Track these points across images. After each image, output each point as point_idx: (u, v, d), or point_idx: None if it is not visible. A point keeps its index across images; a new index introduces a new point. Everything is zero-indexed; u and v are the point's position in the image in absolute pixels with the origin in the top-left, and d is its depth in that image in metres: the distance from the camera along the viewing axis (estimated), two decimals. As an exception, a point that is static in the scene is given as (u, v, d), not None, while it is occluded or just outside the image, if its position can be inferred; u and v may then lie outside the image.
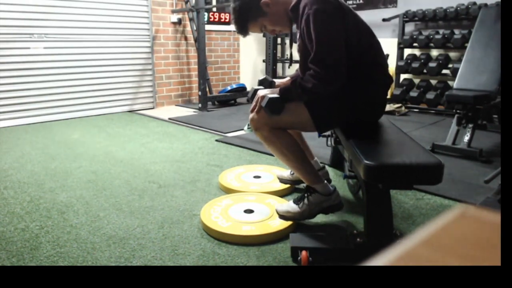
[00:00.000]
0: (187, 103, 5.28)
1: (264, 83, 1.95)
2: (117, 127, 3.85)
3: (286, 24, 1.75)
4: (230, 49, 5.74)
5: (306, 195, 1.68)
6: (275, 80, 2.00)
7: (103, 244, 1.60)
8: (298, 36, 1.68)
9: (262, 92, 1.69)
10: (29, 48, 3.91)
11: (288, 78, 2.05)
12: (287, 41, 5.63)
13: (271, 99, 1.59)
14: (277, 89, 1.66)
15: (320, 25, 1.50)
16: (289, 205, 1.72)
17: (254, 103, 1.69)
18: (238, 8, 1.70)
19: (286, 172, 2.19)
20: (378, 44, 1.68)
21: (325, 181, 1.71)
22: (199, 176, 2.41)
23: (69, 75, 4.21)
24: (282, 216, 1.70)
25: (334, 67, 1.51)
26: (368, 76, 1.63)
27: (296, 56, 1.85)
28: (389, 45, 4.60)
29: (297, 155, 1.68)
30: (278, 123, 1.64)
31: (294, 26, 1.75)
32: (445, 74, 4.28)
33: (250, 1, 1.68)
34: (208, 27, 5.12)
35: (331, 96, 1.60)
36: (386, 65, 1.73)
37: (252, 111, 1.68)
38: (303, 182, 1.78)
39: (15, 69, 3.86)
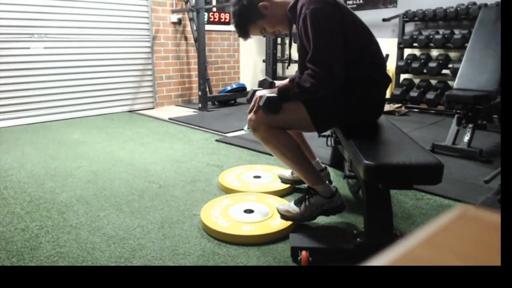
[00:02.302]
0: (187, 103, 5.28)
1: (264, 84, 1.97)
2: (117, 127, 3.85)
3: (285, 25, 1.76)
4: (230, 49, 5.74)
5: (307, 196, 1.68)
6: (275, 81, 2.01)
7: (103, 244, 1.60)
8: (297, 36, 1.69)
9: (260, 92, 1.70)
10: (29, 48, 3.91)
11: (288, 80, 2.06)
12: (287, 41, 5.63)
13: (268, 98, 1.60)
14: (276, 89, 1.67)
15: (318, 24, 1.51)
16: (290, 205, 1.71)
17: (252, 103, 1.70)
18: (238, 12, 1.72)
19: (287, 172, 2.19)
20: (376, 45, 1.68)
21: (327, 182, 1.71)
22: (199, 176, 2.41)
23: (69, 75, 4.21)
24: (283, 216, 1.70)
25: (332, 67, 1.51)
26: (367, 76, 1.63)
27: (295, 56, 1.85)
28: (389, 45, 4.60)
29: (296, 155, 1.67)
30: (276, 122, 1.64)
31: (294, 27, 1.76)
32: (445, 74, 4.28)
33: (249, 5, 1.69)
34: (208, 27, 5.12)
35: (329, 95, 1.61)
36: (385, 65, 1.73)
37: (250, 111, 1.69)
38: (304, 182, 1.78)
39: (15, 69, 3.86)
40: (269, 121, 1.64)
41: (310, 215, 1.68)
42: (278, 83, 1.99)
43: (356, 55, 1.58)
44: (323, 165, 2.16)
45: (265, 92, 1.67)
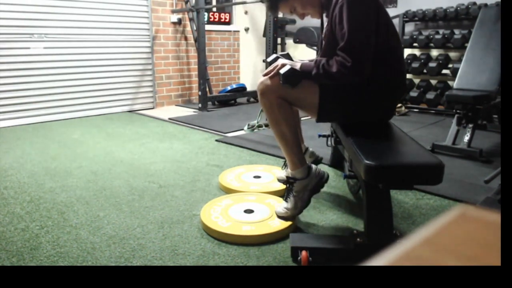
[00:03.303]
0: (187, 103, 5.28)
1: (284, 57, 1.93)
2: (117, 127, 3.85)
3: (316, 10, 1.74)
4: (230, 49, 5.74)
5: (290, 187, 1.70)
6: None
7: (103, 244, 1.60)
8: (326, 24, 1.66)
9: (283, 60, 1.68)
10: (29, 48, 3.91)
11: (310, 60, 2.05)
12: (287, 41, 5.63)
13: (292, 69, 1.58)
14: (299, 63, 1.64)
15: (356, 15, 1.48)
16: (282, 205, 1.74)
17: (271, 68, 1.67)
18: None
19: (284, 173, 2.20)
20: (402, 50, 1.66)
21: (306, 163, 1.72)
22: (199, 176, 2.41)
23: (69, 75, 4.21)
24: (281, 217, 1.71)
25: (362, 59, 1.48)
26: (387, 79, 1.61)
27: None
28: (389, 45, 4.60)
29: (292, 134, 1.67)
30: (286, 94, 1.63)
31: (324, 14, 1.74)
32: (445, 74, 4.28)
33: None
34: (208, 27, 5.12)
35: (347, 89, 1.59)
36: (405, 74, 1.72)
37: (265, 75, 1.66)
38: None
39: (15, 69, 3.85)
40: (281, 90, 1.62)
41: (302, 202, 1.69)
42: (297, 60, 1.98)
43: (382, 55, 1.56)
44: (305, 146, 2.20)
45: (288, 62, 1.65)
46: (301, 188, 1.68)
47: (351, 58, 1.47)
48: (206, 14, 5.24)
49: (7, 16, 3.73)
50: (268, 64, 1.81)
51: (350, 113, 1.66)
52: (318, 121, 1.71)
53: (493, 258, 0.27)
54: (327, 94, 1.62)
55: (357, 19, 1.49)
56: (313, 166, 1.73)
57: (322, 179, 1.72)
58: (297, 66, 1.62)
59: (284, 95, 1.63)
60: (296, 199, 1.68)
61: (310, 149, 2.22)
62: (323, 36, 1.72)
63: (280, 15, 5.16)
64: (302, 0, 1.70)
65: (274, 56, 1.84)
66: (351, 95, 1.61)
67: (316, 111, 1.65)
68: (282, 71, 1.59)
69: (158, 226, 1.76)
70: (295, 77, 1.59)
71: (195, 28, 4.78)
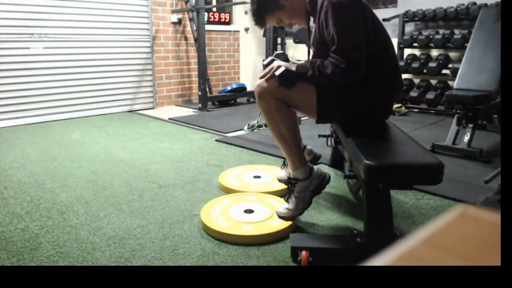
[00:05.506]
0: (187, 103, 5.28)
1: (280, 57, 1.92)
2: (117, 127, 3.85)
3: (303, 18, 1.75)
4: (230, 49, 5.74)
5: (291, 188, 1.70)
6: (292, 60, 2.00)
7: (103, 244, 1.60)
8: (314, 30, 1.67)
9: (279, 62, 1.68)
10: (29, 48, 3.91)
11: (306, 61, 2.05)
12: (287, 41, 5.63)
13: (287, 69, 1.59)
14: (295, 65, 1.64)
15: (342, 17, 1.50)
16: (284, 205, 1.74)
17: (267, 70, 1.67)
18: (256, 0, 1.72)
19: (284, 172, 2.20)
20: (393, 47, 1.68)
21: (307, 163, 1.72)
22: (199, 176, 2.41)
23: (69, 75, 4.21)
24: (282, 217, 1.71)
25: (356, 60, 1.49)
26: (382, 77, 1.62)
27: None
28: (389, 45, 4.60)
29: (291, 135, 1.67)
30: (283, 96, 1.63)
31: (312, 20, 1.75)
32: (445, 74, 4.28)
33: None
34: (208, 27, 5.12)
35: (343, 90, 1.60)
36: (399, 69, 1.73)
37: (262, 77, 1.67)
38: None
39: (15, 69, 3.85)
40: (277, 92, 1.62)
41: (303, 202, 1.69)
42: (292, 61, 1.98)
43: (373, 54, 1.57)
44: (303, 144, 2.21)
45: (284, 63, 1.66)
46: (302, 189, 1.68)
47: (344, 60, 1.49)
48: (206, 14, 5.24)
49: (7, 16, 3.73)
50: (264, 66, 1.81)
51: (349, 113, 1.67)
52: (317, 122, 1.71)
53: (493, 258, 0.27)
54: (325, 95, 1.63)
55: (344, 21, 1.50)
56: (315, 167, 1.74)
57: (324, 180, 1.72)
58: (293, 67, 1.62)
59: (281, 97, 1.63)
60: (298, 200, 1.68)
61: (308, 147, 2.23)
62: (311, 42, 1.73)
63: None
64: (288, 11, 1.72)
65: (270, 58, 1.85)
66: (348, 95, 1.62)
67: (315, 112, 1.66)
68: (277, 72, 1.59)
69: (158, 226, 1.76)
70: (290, 78, 1.59)
71: (195, 28, 4.78)
